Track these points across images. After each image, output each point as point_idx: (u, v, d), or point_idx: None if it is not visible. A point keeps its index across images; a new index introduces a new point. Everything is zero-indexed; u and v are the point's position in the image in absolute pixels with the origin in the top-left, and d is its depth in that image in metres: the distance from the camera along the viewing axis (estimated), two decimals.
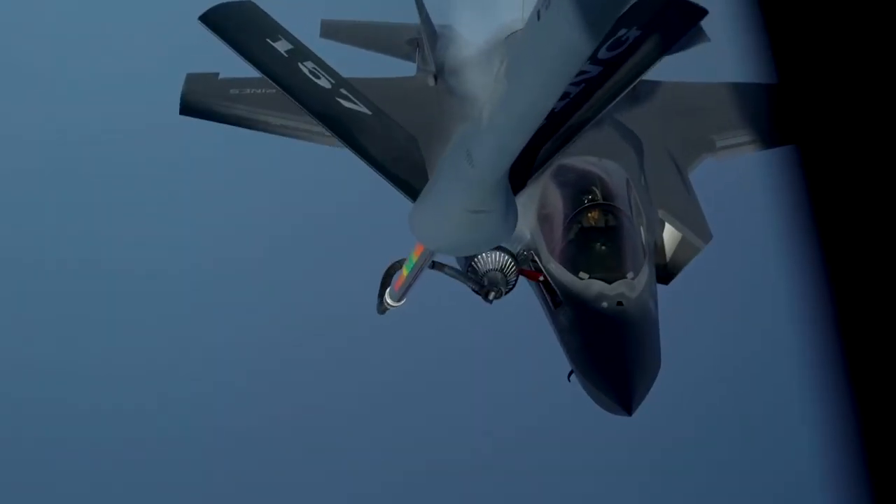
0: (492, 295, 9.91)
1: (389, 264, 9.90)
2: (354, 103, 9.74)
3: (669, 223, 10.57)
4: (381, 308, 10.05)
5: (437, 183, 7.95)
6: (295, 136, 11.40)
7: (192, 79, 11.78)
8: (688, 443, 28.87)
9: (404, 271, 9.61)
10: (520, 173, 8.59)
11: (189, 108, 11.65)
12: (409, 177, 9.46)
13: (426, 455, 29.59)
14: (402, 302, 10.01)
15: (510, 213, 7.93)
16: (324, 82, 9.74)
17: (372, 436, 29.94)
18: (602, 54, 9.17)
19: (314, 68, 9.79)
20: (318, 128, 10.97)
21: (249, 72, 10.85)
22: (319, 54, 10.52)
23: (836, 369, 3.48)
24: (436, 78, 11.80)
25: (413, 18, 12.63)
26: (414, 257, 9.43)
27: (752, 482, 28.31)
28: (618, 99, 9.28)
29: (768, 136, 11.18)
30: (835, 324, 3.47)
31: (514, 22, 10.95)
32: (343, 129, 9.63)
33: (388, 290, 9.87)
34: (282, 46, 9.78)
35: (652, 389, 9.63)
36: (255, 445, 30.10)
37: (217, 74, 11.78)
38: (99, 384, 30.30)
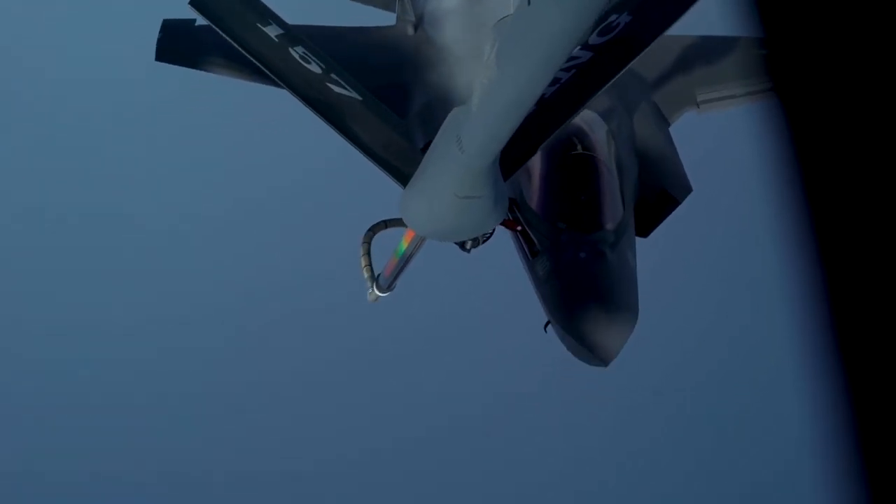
0: (469, 244, 9.89)
1: (365, 232, 9.88)
2: (345, 88, 9.70)
3: (649, 175, 10.59)
4: (372, 296, 10.00)
5: (427, 168, 7.98)
6: (274, 85, 11.36)
7: (168, 25, 11.72)
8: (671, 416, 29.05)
9: (394, 257, 9.60)
10: (510, 159, 8.53)
11: (165, 54, 11.63)
12: (399, 162, 9.42)
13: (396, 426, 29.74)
14: (393, 289, 9.99)
15: (500, 198, 7.98)
16: (314, 67, 9.71)
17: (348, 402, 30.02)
18: (593, 40, 9.16)
19: (304, 53, 9.75)
20: None
21: None
22: (297, 5, 10.49)
23: (826, 340, 3.40)
24: (415, 27, 11.76)
25: None
26: (404, 244, 9.43)
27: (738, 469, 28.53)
28: (608, 85, 9.25)
29: (751, 90, 11.23)
30: (826, 294, 3.40)
31: None
32: (333, 114, 9.58)
33: (377, 278, 9.83)
34: (272, 31, 9.70)
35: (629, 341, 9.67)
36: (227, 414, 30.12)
37: (194, 21, 11.72)
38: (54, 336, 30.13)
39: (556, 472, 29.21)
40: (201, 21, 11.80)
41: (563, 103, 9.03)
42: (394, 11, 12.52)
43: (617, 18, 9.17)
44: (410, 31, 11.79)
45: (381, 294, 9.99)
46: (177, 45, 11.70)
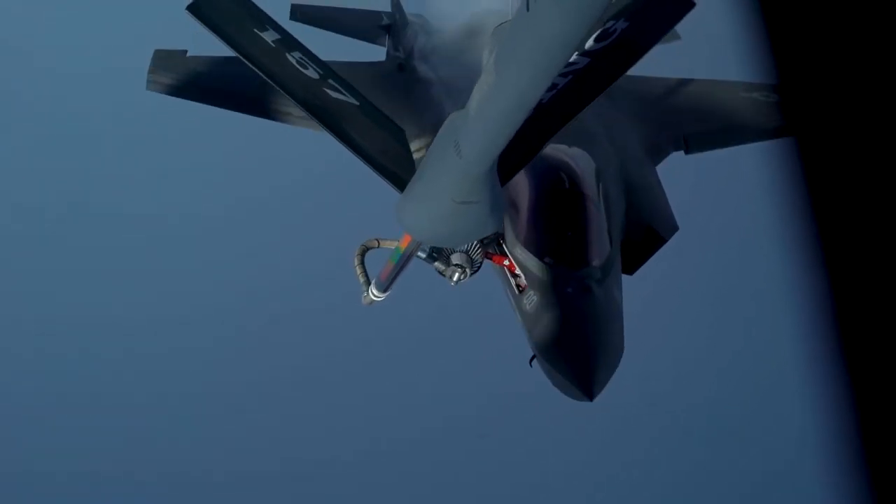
0: (456, 276, 9.94)
1: (359, 246, 9.91)
2: (342, 94, 9.71)
3: (635, 213, 10.64)
4: (367, 300, 10.04)
5: (424, 173, 7.99)
6: (264, 116, 11.45)
7: (159, 55, 11.81)
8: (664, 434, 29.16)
9: (390, 262, 9.61)
10: (507, 164, 8.52)
11: (156, 84, 11.71)
12: (396, 168, 9.43)
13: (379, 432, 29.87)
14: (388, 293, 10.02)
15: (497, 204, 8.00)
16: (311, 73, 9.70)
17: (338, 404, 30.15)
18: (590, 46, 9.20)
19: (301, 58, 9.75)
20: (288, 108, 11.02)
21: (218, 51, 10.83)
22: None
23: (830, 363, 3.41)
24: (404, 64, 11.82)
25: (385, 6, 12.65)
26: (401, 248, 9.46)
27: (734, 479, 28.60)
28: (604, 91, 9.31)
29: (739, 134, 11.33)
30: (828, 310, 3.39)
31: (481, 13, 11.04)
32: (331, 119, 9.57)
33: (373, 281, 9.87)
34: (269, 36, 9.71)
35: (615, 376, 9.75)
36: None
37: (185, 52, 11.83)
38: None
39: (550, 474, 29.32)
40: (192, 52, 12.01)
41: (560, 109, 9.05)
42: (384, 46, 12.62)
43: (614, 24, 9.23)
44: (398, 67, 11.85)
45: (375, 298, 10.03)
46: (167, 75, 11.80)
